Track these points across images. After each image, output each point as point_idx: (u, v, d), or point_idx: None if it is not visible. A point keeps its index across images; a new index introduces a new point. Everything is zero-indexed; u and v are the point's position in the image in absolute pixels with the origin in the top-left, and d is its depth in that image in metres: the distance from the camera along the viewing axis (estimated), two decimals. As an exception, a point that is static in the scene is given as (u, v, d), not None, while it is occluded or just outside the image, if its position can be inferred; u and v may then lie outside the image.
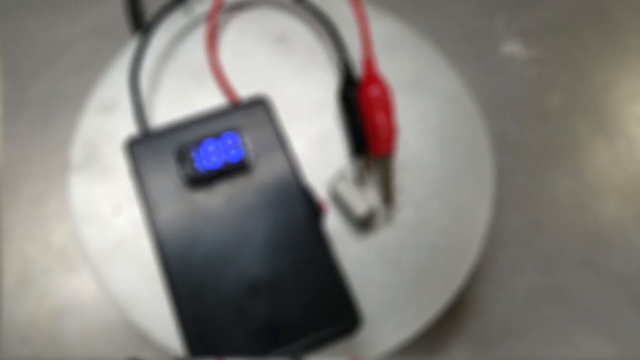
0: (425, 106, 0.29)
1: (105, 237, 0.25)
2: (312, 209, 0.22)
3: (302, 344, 0.19)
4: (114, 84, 0.29)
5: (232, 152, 0.23)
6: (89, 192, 0.26)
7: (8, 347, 0.27)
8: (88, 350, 0.28)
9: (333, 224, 0.26)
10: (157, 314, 0.23)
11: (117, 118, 0.28)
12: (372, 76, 0.27)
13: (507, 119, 0.37)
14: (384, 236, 0.26)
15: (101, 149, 0.27)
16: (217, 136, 0.23)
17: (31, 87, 0.35)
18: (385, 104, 0.26)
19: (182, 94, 0.29)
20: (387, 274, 0.25)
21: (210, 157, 0.23)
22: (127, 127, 0.27)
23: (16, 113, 0.34)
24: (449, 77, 0.30)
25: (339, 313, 0.20)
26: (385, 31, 0.31)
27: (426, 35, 0.31)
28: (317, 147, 0.28)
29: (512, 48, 0.39)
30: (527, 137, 0.36)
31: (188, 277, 0.20)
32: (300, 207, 0.22)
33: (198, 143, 0.23)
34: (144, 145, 0.23)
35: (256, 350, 0.19)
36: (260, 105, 0.24)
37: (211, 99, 0.29)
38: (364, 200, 0.25)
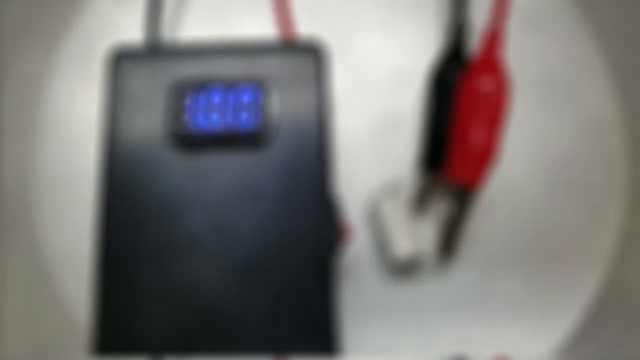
0: (551, 123, 0.21)
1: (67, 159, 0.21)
2: (330, 232, 0.17)
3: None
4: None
5: (246, 113, 0.17)
6: (70, 97, 0.22)
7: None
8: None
9: (360, 249, 0.19)
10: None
11: (128, 15, 0.22)
12: (490, 60, 0.19)
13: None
14: (422, 290, 0.19)
15: (98, 45, 0.21)
16: (231, 85, 0.17)
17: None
18: (496, 108, 0.18)
19: (222, 10, 0.22)
20: (395, 328, 0.19)
21: (213, 112, 0.17)
22: (136, 32, 0.21)
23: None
24: (603, 90, 0.21)
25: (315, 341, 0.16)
26: (530, 3, 0.21)
27: (584, 20, 0.21)
28: (378, 134, 0.21)
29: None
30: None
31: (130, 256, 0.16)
32: (315, 222, 0.16)
33: (203, 87, 0.17)
34: (135, 63, 0.18)
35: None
36: (308, 54, 0.18)
37: (256, 28, 0.21)
38: (411, 236, 0.18)
